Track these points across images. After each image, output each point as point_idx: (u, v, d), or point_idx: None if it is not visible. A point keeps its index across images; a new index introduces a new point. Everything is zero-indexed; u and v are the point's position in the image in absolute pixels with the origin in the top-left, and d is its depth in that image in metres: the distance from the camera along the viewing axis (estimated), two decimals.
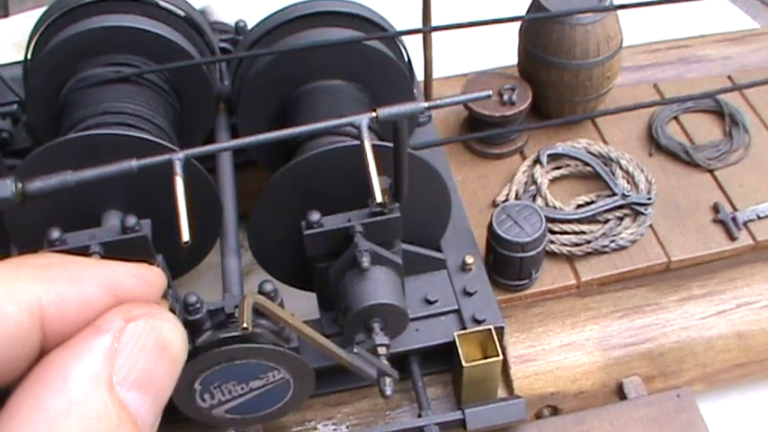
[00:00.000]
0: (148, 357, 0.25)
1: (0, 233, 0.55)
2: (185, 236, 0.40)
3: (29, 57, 0.61)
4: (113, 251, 0.45)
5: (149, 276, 0.27)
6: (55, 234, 0.46)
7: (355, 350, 0.46)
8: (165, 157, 0.41)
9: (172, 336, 0.26)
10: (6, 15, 1.08)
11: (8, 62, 0.68)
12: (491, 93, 0.44)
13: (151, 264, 0.30)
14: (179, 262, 0.52)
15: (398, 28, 0.62)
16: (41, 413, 0.24)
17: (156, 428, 0.26)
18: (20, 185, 0.42)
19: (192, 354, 0.44)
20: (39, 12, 0.93)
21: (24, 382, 0.25)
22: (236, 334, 0.43)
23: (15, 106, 0.66)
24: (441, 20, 0.60)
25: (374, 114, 0.42)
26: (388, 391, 0.46)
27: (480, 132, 0.67)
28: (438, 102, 0.44)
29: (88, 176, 0.42)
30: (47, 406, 0.24)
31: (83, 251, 0.45)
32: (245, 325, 0.39)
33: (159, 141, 0.47)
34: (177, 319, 0.27)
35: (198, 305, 0.45)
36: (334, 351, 0.43)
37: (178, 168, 0.41)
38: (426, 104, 0.44)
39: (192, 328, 0.46)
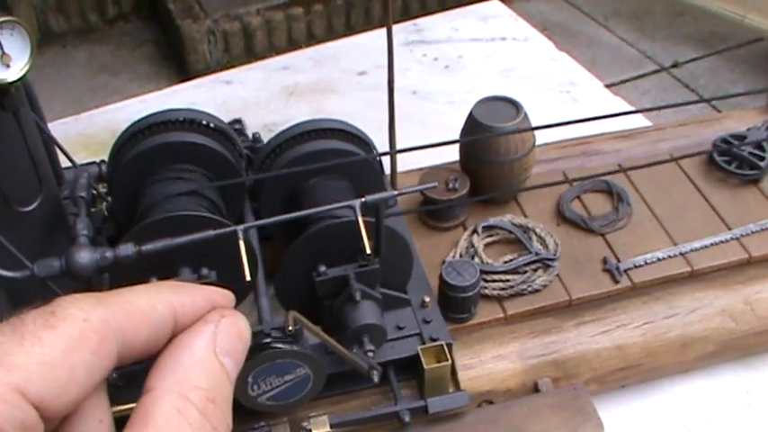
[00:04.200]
0: (233, 338, 0.36)
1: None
2: (248, 276, 0.63)
3: (111, 162, 0.83)
4: None
5: (228, 294, 0.39)
6: (153, 280, 0.68)
7: (354, 351, 0.69)
8: (233, 228, 0.64)
9: (245, 326, 0.37)
10: None
11: (85, 162, 0.86)
12: (436, 184, 0.68)
13: None
14: None
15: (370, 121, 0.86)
16: (180, 365, 0.34)
17: (234, 385, 0.36)
18: (137, 247, 0.64)
19: (249, 356, 0.66)
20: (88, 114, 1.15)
21: (165, 350, 0.35)
22: (282, 338, 0.65)
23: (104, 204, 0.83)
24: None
25: (363, 200, 0.66)
26: (375, 378, 0.69)
27: (431, 211, 0.91)
28: (402, 190, 0.68)
29: (181, 241, 0.63)
30: (183, 361, 0.34)
31: None
32: (290, 328, 0.62)
33: (221, 219, 0.71)
34: (245, 319, 0.38)
35: None
36: (341, 350, 0.66)
37: (240, 235, 0.64)
38: (395, 192, 0.68)
39: None
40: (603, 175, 0.92)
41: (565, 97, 1.27)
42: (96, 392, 0.34)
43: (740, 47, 3.09)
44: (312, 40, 2.93)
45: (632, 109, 1.20)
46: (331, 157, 0.79)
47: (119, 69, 3.09)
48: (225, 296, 0.39)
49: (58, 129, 1.18)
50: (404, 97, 1.25)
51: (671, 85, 2.96)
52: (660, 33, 3.23)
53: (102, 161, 0.86)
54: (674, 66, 3.04)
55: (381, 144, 0.86)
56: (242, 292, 0.75)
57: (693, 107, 2.45)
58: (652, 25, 3.28)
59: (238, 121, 0.89)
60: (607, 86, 1.34)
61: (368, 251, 0.66)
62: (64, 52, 3.19)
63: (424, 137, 0.86)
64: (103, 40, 3.26)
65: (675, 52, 3.10)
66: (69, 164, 0.83)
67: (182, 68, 2.96)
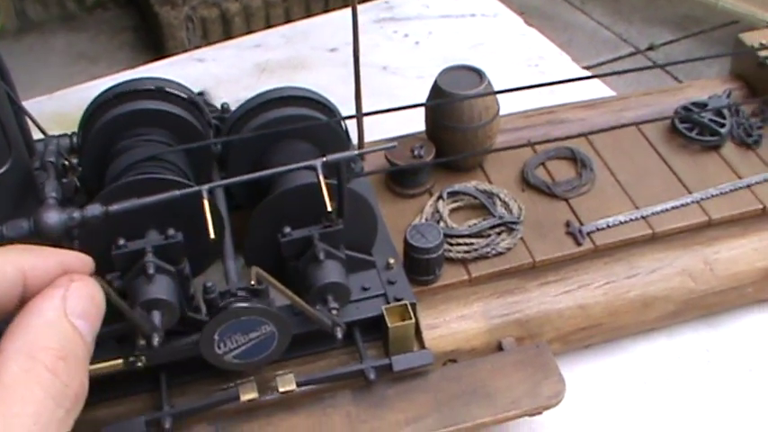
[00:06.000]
0: (84, 300, 0.38)
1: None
2: (212, 234, 0.64)
3: (81, 131, 0.85)
4: (160, 253, 0.69)
5: (85, 258, 0.41)
6: (121, 241, 0.69)
7: (318, 308, 0.71)
8: (197, 188, 0.65)
9: (96, 290, 0.39)
10: None
11: (57, 134, 0.88)
12: (396, 144, 0.70)
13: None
14: (198, 264, 0.75)
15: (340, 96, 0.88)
16: (30, 328, 0.36)
17: (93, 347, 0.38)
18: (105, 207, 0.66)
19: (216, 313, 0.68)
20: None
21: (17, 316, 0.36)
22: (247, 297, 0.66)
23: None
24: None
25: (324, 159, 0.68)
26: (339, 335, 0.71)
27: (397, 177, 0.92)
28: (363, 150, 0.70)
29: (148, 201, 0.64)
30: (33, 323, 0.36)
31: (141, 253, 0.68)
32: (252, 283, 0.64)
33: (186, 182, 0.72)
34: (97, 283, 0.40)
35: (213, 288, 0.68)
36: (306, 307, 0.67)
37: (205, 194, 0.66)
38: (357, 152, 0.70)
39: (210, 303, 0.70)
40: (567, 139, 0.94)
41: (533, 71, 1.29)
42: None
43: (715, 29, 3.12)
44: None
45: (598, 81, 1.22)
46: (297, 123, 0.81)
47: (97, 57, 3.09)
48: (81, 260, 0.41)
49: (33, 107, 1.17)
50: (374, 72, 1.27)
51: None
52: (636, 16, 3.26)
53: (74, 133, 0.87)
54: (650, 48, 3.07)
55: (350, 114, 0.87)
56: (211, 255, 0.77)
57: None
58: (628, 8, 3.30)
59: (201, 93, 0.90)
60: (583, 69, 1.36)
61: (329, 208, 0.68)
62: (42, 40, 3.18)
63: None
64: (82, 28, 3.26)
65: (651, 35, 3.13)
66: (42, 137, 0.84)
67: (160, 55, 2.96)
